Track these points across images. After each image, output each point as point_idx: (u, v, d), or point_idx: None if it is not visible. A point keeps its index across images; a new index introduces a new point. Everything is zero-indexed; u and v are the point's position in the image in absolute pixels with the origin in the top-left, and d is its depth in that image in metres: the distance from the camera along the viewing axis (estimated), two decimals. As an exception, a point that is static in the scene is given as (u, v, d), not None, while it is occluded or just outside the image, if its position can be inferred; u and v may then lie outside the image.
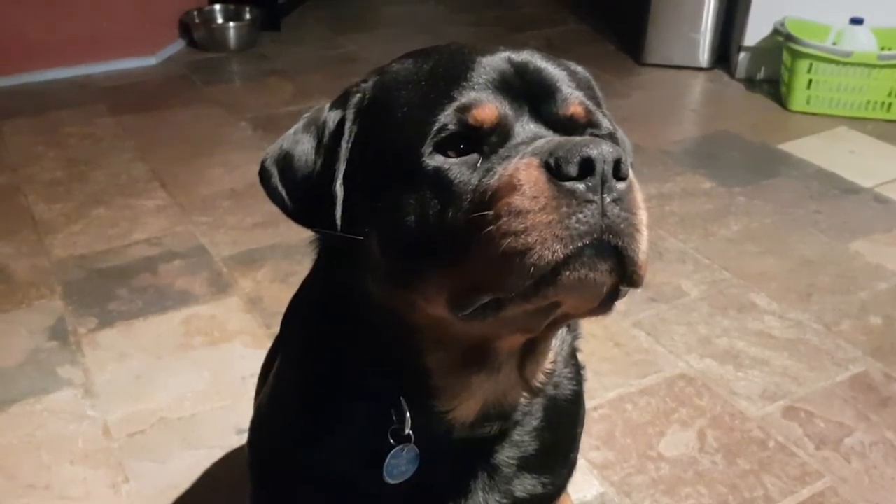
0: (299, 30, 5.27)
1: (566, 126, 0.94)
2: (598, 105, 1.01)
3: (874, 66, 3.79)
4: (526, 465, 1.14)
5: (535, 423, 1.13)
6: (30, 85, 4.34)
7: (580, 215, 0.81)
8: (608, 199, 0.82)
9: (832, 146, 3.69)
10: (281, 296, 2.60)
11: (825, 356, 2.37)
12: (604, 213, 0.81)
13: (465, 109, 0.90)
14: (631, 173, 0.85)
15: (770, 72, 4.33)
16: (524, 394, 1.07)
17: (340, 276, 1.04)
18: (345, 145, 0.98)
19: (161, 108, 4.11)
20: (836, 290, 2.67)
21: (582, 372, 1.27)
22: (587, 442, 2.01)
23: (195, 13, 4.89)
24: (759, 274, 2.76)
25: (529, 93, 0.94)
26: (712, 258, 2.83)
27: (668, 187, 3.27)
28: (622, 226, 0.82)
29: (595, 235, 0.81)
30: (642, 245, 0.85)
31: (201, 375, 2.29)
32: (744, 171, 3.49)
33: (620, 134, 1.05)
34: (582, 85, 0.99)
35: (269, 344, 2.37)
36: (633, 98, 4.25)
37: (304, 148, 1.02)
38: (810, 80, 3.90)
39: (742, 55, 4.38)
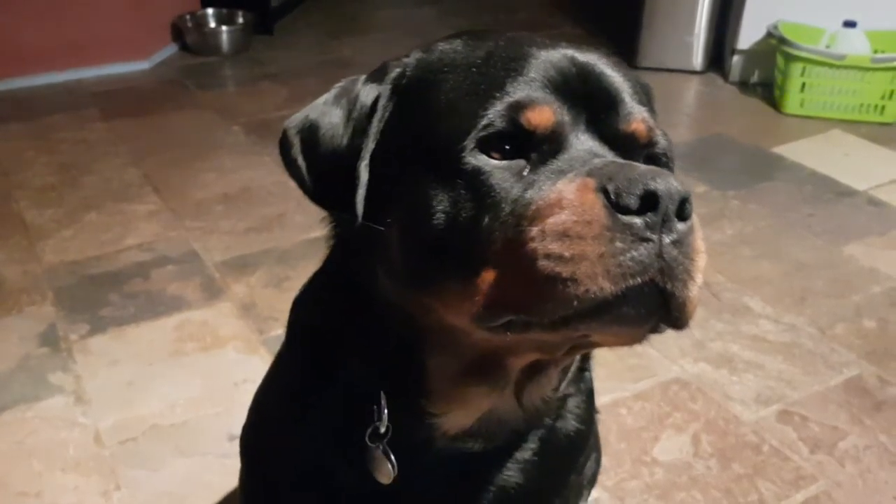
0: (292, 34, 5.27)
1: (625, 143, 0.87)
2: (655, 118, 0.94)
3: (867, 69, 3.80)
4: (503, 499, 1.05)
5: (525, 454, 1.05)
6: (21, 90, 4.32)
7: (634, 253, 0.74)
8: (667, 241, 0.75)
9: (826, 149, 3.69)
10: (274, 301, 2.59)
11: (819, 360, 2.37)
12: (660, 255, 0.75)
13: (518, 108, 0.82)
14: (696, 221, 0.79)
15: (764, 75, 4.33)
16: (519, 417, 1.01)
17: (353, 265, 0.98)
18: (376, 124, 0.91)
19: (153, 112, 4.10)
20: (830, 294, 2.67)
21: (596, 415, 1.19)
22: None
23: (188, 17, 4.88)
24: (753, 278, 2.76)
25: (590, 100, 0.86)
26: (706, 262, 2.82)
27: (661, 191, 3.26)
28: (677, 270, 0.76)
29: (647, 277, 0.75)
30: (694, 291, 0.78)
31: (194, 382, 2.28)
32: (738, 174, 3.49)
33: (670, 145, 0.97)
34: (643, 98, 0.92)
35: (262, 350, 2.38)
36: (627, 101, 4.24)
37: (331, 121, 0.94)
38: (804, 84, 3.91)
39: (736, 58, 4.39)
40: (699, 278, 0.79)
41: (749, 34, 4.28)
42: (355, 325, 1.00)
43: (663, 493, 1.94)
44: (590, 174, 0.78)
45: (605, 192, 0.76)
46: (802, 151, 3.66)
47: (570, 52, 0.89)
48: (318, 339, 1.07)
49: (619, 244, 0.74)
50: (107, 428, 2.12)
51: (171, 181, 3.40)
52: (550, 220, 0.77)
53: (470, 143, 0.82)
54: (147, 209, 3.19)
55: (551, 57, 0.87)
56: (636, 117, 0.88)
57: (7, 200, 3.25)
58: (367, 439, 0.99)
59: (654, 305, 0.77)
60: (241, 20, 4.94)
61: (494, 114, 0.82)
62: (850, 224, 3.10)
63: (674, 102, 4.32)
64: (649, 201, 0.75)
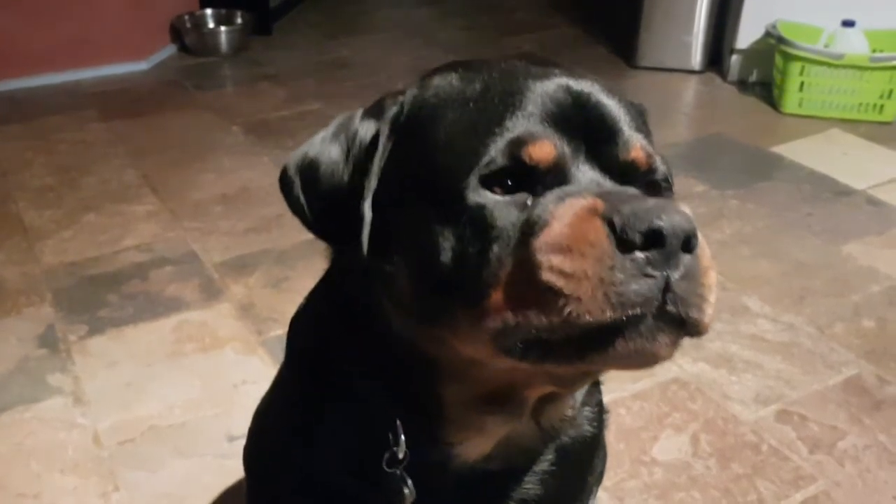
0: (291, 34, 5.26)
1: (625, 171, 0.87)
2: (651, 141, 0.93)
3: (866, 68, 3.80)
4: None
5: (543, 466, 1.05)
6: (19, 91, 4.31)
7: (636, 286, 0.74)
8: (675, 277, 0.75)
9: (825, 148, 3.69)
10: (273, 302, 2.58)
11: (818, 359, 2.37)
12: (668, 289, 0.75)
13: (519, 144, 0.82)
14: (701, 239, 0.78)
15: (762, 74, 4.33)
16: (537, 439, 1.01)
17: (352, 292, 0.98)
18: (377, 162, 0.90)
19: (152, 113, 4.10)
20: (829, 293, 2.67)
21: (605, 416, 1.20)
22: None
23: (186, 18, 4.88)
24: (752, 277, 2.75)
25: (588, 131, 0.86)
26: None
27: (660, 191, 3.26)
28: (690, 298, 0.76)
29: (652, 308, 0.75)
30: (709, 310, 0.79)
31: (192, 383, 2.28)
32: (737, 173, 3.49)
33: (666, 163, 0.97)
34: (639, 122, 0.92)
35: (260, 350, 2.38)
36: (626, 101, 4.24)
37: (331, 158, 0.93)
38: (802, 83, 3.90)
39: (734, 58, 4.39)
40: (713, 296, 0.79)
41: (748, 33, 4.28)
42: (359, 353, 1.00)
43: (662, 492, 1.94)
44: (599, 196, 0.79)
45: (610, 224, 0.75)
46: (801, 151, 3.66)
47: (564, 80, 0.89)
48: (318, 362, 1.07)
49: (619, 275, 0.74)
50: (105, 429, 2.12)
51: (170, 182, 3.40)
52: (555, 233, 0.77)
53: (472, 180, 0.82)
54: (146, 210, 3.19)
55: (547, 88, 0.87)
56: (635, 145, 0.88)
57: (6, 201, 3.25)
58: (384, 465, 0.98)
59: (668, 332, 0.78)
60: (239, 21, 4.93)
61: (495, 151, 0.83)
62: (849, 223, 3.09)
63: (672, 102, 4.32)
64: (654, 238, 0.74)
